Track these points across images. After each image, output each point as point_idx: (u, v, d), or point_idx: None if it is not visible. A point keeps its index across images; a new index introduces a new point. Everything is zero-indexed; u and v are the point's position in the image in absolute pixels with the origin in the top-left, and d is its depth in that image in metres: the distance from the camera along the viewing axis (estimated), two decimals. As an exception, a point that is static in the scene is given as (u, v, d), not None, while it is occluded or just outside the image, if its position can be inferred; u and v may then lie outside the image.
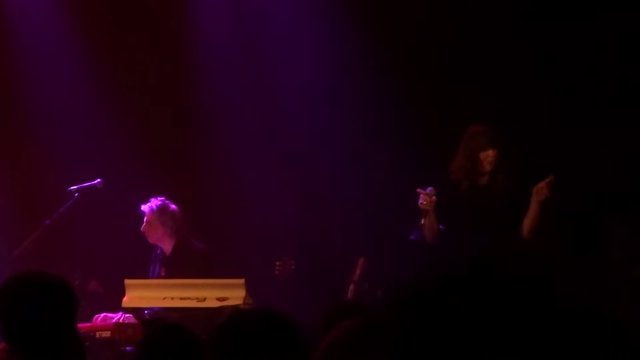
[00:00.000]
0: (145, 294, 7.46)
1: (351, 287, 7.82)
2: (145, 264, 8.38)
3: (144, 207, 8.16)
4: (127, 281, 7.41)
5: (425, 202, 7.26)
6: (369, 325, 3.32)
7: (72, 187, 8.37)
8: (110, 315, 7.63)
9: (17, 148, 9.63)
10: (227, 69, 9.45)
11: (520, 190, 7.37)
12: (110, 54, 9.62)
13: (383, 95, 9.02)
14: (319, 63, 9.25)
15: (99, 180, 8.37)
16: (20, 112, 9.69)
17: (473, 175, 7.44)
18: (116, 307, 7.48)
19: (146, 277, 8.08)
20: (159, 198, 8.22)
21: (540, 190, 7.26)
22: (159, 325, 4.27)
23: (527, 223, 7.35)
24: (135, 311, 7.45)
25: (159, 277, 8.18)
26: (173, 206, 8.20)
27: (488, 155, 7.40)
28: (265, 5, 9.35)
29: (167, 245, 8.22)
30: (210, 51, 9.49)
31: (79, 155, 9.39)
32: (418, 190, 7.28)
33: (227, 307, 6.98)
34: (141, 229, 8.17)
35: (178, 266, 8.07)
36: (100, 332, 7.53)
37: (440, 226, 7.40)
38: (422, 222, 7.28)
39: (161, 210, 8.14)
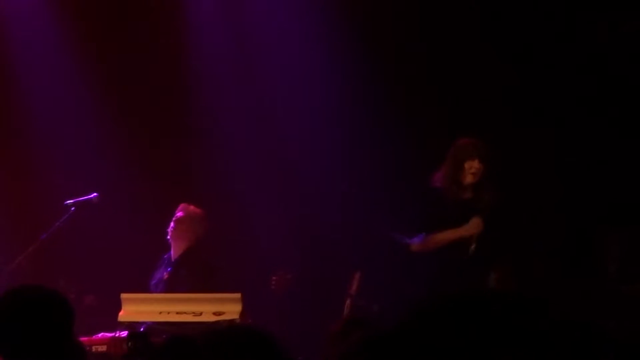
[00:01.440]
0: (141, 308, 7.45)
1: (348, 301, 7.81)
2: (142, 277, 8.37)
3: (181, 211, 8.21)
4: (123, 295, 7.40)
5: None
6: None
7: (68, 201, 8.38)
8: (107, 334, 7.64)
9: (13, 161, 9.61)
10: (227, 79, 9.44)
11: (504, 208, 7.35)
12: (108, 62, 9.62)
13: (383, 100, 9.02)
14: (317, 71, 9.25)
15: (95, 194, 8.37)
16: (16, 124, 9.68)
17: (457, 186, 7.39)
18: (112, 321, 7.46)
19: (144, 290, 8.07)
20: (196, 207, 8.28)
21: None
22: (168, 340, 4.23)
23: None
24: (131, 325, 7.44)
25: (160, 280, 8.19)
26: (207, 219, 8.29)
27: (472, 166, 7.34)
28: (263, 8, 9.34)
29: (179, 248, 8.24)
30: (208, 57, 9.48)
31: (75, 168, 9.38)
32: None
33: (223, 321, 6.97)
34: (169, 228, 8.19)
35: (182, 271, 8.12)
36: (96, 347, 7.51)
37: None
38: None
39: (200, 218, 8.23)
